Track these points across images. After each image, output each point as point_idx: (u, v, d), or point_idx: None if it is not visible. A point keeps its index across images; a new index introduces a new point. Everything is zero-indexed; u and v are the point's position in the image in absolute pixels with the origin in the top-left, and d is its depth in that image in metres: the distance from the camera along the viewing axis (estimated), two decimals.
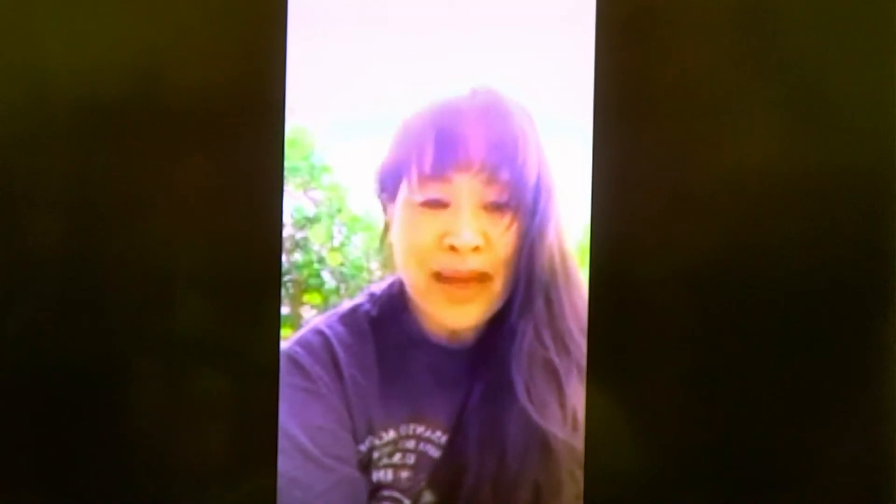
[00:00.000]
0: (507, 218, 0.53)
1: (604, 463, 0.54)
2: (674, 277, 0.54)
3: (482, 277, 0.53)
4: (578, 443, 0.54)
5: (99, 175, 0.54)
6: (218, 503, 0.55)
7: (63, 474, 0.55)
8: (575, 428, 0.54)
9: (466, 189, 0.53)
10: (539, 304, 0.54)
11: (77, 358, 0.55)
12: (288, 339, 0.54)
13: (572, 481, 0.54)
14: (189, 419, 0.55)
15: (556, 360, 0.54)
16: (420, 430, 0.54)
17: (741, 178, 0.54)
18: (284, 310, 0.55)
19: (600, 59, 0.53)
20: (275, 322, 0.54)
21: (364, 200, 0.54)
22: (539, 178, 0.53)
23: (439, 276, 0.53)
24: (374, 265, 0.55)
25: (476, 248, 0.53)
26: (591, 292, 0.54)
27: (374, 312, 0.55)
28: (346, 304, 0.55)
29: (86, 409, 0.55)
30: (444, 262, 0.53)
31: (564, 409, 0.54)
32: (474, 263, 0.53)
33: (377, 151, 0.53)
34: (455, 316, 0.54)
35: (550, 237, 0.54)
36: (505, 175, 0.53)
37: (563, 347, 0.54)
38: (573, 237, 0.54)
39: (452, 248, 0.53)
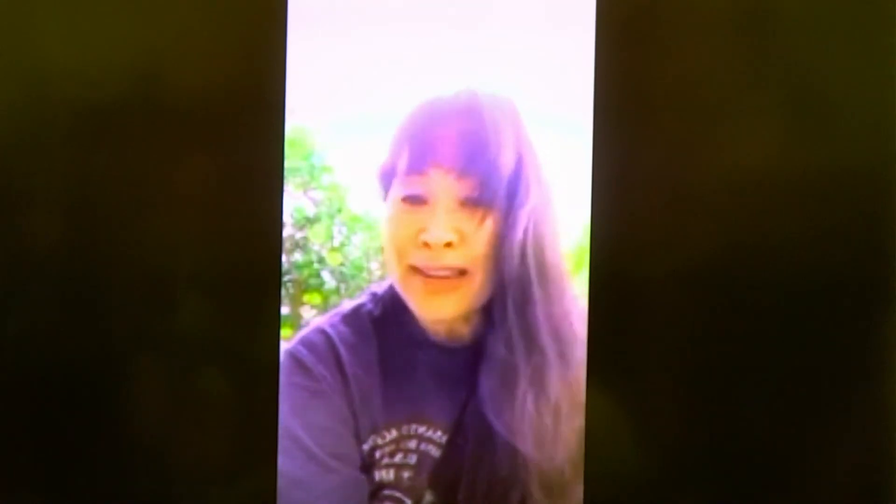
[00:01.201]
0: (479, 213, 0.53)
1: (604, 463, 0.54)
2: (674, 277, 0.54)
3: (459, 272, 0.53)
4: (545, 458, 0.54)
5: (99, 175, 0.54)
6: (218, 503, 0.55)
7: (63, 474, 0.55)
8: (544, 446, 0.54)
9: (441, 185, 0.53)
10: (510, 308, 0.54)
11: (77, 358, 0.55)
12: (291, 339, 0.54)
13: (547, 497, 0.54)
14: (189, 419, 0.55)
15: (522, 365, 0.54)
16: (421, 429, 0.54)
17: (741, 178, 0.54)
18: (284, 310, 0.55)
19: (600, 58, 0.53)
20: (275, 322, 0.54)
21: (364, 200, 0.54)
22: (519, 174, 0.53)
23: (416, 270, 0.54)
24: (374, 265, 0.55)
25: (448, 244, 0.53)
26: (591, 292, 0.54)
27: (376, 312, 0.55)
28: (349, 304, 0.55)
29: (86, 409, 0.55)
30: (420, 257, 0.53)
31: (535, 427, 0.54)
32: (448, 260, 0.53)
33: (377, 151, 0.54)
34: (432, 307, 0.54)
35: (522, 239, 0.53)
36: (477, 171, 0.53)
37: (534, 350, 0.54)
38: (562, 241, 0.54)
39: (426, 244, 0.53)
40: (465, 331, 0.55)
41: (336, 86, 0.53)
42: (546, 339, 0.54)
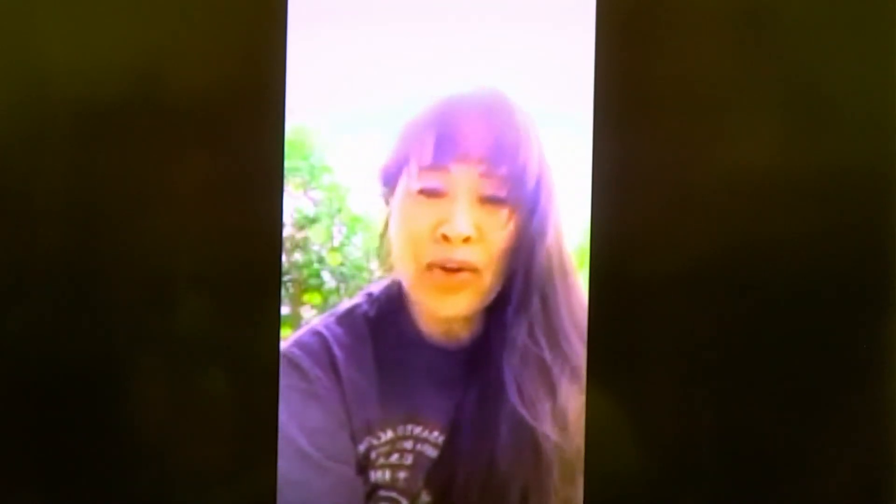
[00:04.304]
0: (504, 213, 0.53)
1: (603, 463, 0.54)
2: (674, 277, 0.54)
3: (472, 269, 0.53)
4: (569, 444, 0.54)
5: (99, 175, 0.54)
6: (218, 503, 0.55)
7: (63, 474, 0.55)
8: (565, 429, 0.54)
9: (464, 180, 0.53)
10: (535, 303, 0.54)
11: (77, 358, 0.55)
12: (286, 341, 0.54)
13: (563, 483, 0.54)
14: (189, 419, 0.55)
15: (550, 360, 0.54)
16: (417, 430, 0.54)
17: (741, 178, 0.54)
18: (284, 310, 0.55)
19: (600, 57, 0.53)
20: (275, 322, 0.54)
21: (364, 200, 0.54)
22: (540, 178, 0.53)
23: (431, 267, 0.54)
24: (374, 265, 0.55)
25: (467, 239, 0.53)
26: (591, 292, 0.54)
27: (371, 313, 0.55)
28: (344, 305, 0.55)
29: (86, 410, 0.55)
30: (437, 252, 0.53)
31: (556, 410, 0.54)
32: (464, 255, 0.53)
33: (378, 149, 0.54)
34: (446, 305, 0.54)
35: (550, 238, 0.54)
36: (504, 170, 0.53)
37: (558, 348, 0.54)
38: (572, 238, 0.54)
39: (445, 238, 0.53)
40: (462, 331, 0.55)
41: (336, 85, 0.53)
42: (568, 326, 0.54)
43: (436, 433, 0.54)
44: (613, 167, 0.53)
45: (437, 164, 0.53)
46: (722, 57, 0.54)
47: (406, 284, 0.54)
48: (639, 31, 0.54)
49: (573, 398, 0.54)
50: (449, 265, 0.53)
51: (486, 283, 0.54)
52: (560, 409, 0.54)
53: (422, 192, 0.53)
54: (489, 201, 0.53)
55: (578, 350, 0.54)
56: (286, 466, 0.54)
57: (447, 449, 0.54)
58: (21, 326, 0.55)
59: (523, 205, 0.53)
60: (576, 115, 0.53)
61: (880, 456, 0.55)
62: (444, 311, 0.54)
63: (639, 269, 0.54)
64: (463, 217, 0.53)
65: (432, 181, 0.53)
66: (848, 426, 0.55)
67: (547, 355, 0.54)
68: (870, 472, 0.55)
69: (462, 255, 0.53)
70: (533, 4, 0.53)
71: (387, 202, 0.54)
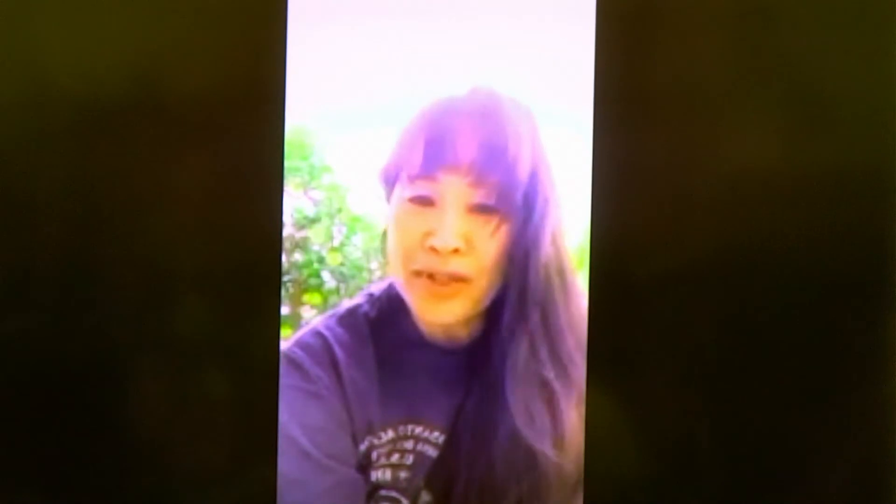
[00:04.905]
0: (494, 221, 0.53)
1: (604, 463, 0.54)
2: (674, 277, 0.54)
3: (462, 280, 0.53)
4: (569, 464, 0.54)
5: (99, 175, 0.54)
6: (218, 503, 0.55)
7: (63, 474, 0.55)
8: (564, 449, 0.54)
9: (453, 190, 0.53)
10: (535, 317, 0.54)
11: (77, 358, 0.55)
12: (287, 341, 0.54)
13: (562, 500, 0.54)
14: (189, 419, 0.55)
15: (553, 379, 0.54)
16: (418, 430, 0.54)
17: (741, 178, 0.54)
18: (284, 310, 0.55)
19: (600, 57, 0.53)
20: (275, 322, 0.54)
21: (364, 200, 0.54)
22: (536, 184, 0.53)
23: (421, 274, 0.54)
24: (374, 265, 0.55)
25: (456, 251, 0.53)
26: (591, 293, 0.54)
27: (372, 314, 0.55)
28: (345, 305, 0.55)
29: (86, 410, 0.55)
30: (425, 262, 0.53)
31: (557, 430, 0.54)
32: (454, 266, 0.53)
33: (378, 151, 0.54)
34: (437, 311, 0.54)
35: (547, 247, 0.53)
36: (493, 178, 0.53)
37: (561, 366, 0.54)
38: (572, 247, 0.54)
39: (433, 250, 0.53)
40: (462, 332, 0.54)
41: (336, 86, 0.53)
42: (569, 341, 0.54)
43: (436, 433, 0.54)
44: (613, 167, 0.53)
45: (426, 173, 0.53)
46: (722, 57, 0.54)
47: (398, 288, 0.54)
48: (639, 31, 0.54)
49: (575, 416, 0.54)
50: (438, 276, 0.53)
51: (478, 291, 0.53)
52: (562, 428, 0.54)
53: (412, 200, 0.53)
54: (479, 210, 0.53)
55: (580, 366, 0.54)
56: (287, 466, 0.54)
57: (448, 449, 0.54)
58: (21, 326, 0.55)
59: (516, 212, 0.53)
60: (576, 115, 0.53)
61: (880, 456, 0.55)
62: (436, 317, 0.54)
63: (639, 269, 0.54)
64: (451, 228, 0.53)
65: (422, 190, 0.53)
66: (848, 426, 0.55)
67: (549, 374, 0.54)
68: (870, 472, 0.55)
69: (452, 266, 0.53)
70: (533, 4, 0.53)
71: (388, 202, 0.54)
